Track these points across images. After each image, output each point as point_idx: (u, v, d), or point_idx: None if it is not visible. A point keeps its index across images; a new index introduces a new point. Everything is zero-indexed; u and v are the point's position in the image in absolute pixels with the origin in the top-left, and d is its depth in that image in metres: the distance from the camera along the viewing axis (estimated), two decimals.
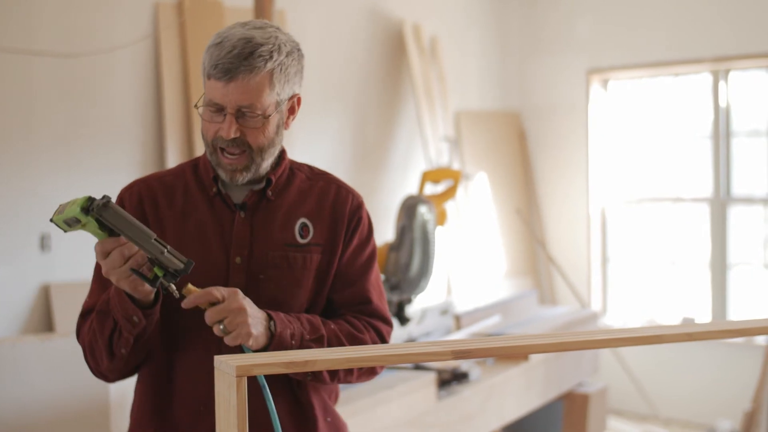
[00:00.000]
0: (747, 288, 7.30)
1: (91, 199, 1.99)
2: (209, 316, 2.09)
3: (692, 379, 7.27)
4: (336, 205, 2.35)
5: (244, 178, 2.23)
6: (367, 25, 6.77)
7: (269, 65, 2.16)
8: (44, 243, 4.77)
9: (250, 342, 2.10)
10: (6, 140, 4.69)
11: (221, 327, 2.09)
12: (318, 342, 2.22)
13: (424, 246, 5.15)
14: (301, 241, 2.29)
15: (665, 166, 7.70)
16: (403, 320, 5.14)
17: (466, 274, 7.33)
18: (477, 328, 5.49)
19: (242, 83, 2.14)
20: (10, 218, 4.68)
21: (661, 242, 7.74)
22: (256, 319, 2.12)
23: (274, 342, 2.15)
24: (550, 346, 1.87)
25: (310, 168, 2.42)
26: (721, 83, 7.28)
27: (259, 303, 2.20)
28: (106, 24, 5.10)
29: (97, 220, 1.99)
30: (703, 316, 7.42)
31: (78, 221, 2.00)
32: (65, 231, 2.04)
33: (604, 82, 7.93)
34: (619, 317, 7.87)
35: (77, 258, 4.86)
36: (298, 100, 2.30)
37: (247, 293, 2.19)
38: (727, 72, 7.26)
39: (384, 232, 6.26)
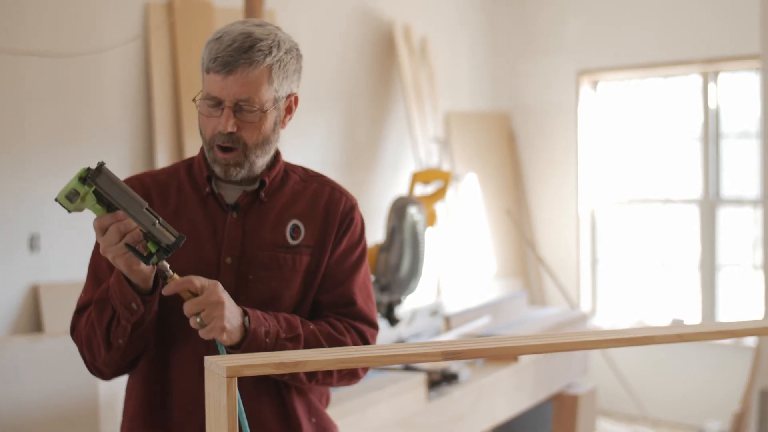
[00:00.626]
0: (736, 289, 7.32)
1: (88, 170, 2.02)
2: (187, 308, 2.08)
3: (682, 380, 7.28)
4: (329, 207, 2.34)
5: (238, 173, 2.23)
6: (358, 26, 6.77)
7: (268, 60, 2.17)
8: (33, 243, 4.76)
9: (224, 337, 2.09)
10: None
11: (198, 320, 2.08)
12: (294, 341, 2.20)
13: (414, 247, 5.16)
14: (291, 242, 2.28)
15: (655, 167, 7.71)
16: (393, 321, 5.14)
17: (455, 275, 7.33)
18: (467, 329, 5.49)
19: (241, 76, 2.15)
20: None
21: (650, 243, 7.76)
22: (232, 314, 2.11)
23: (248, 339, 2.14)
24: (539, 347, 1.87)
25: (305, 170, 2.42)
26: (711, 85, 7.30)
27: (248, 303, 2.19)
28: (96, 24, 5.09)
29: (96, 193, 2.01)
30: (693, 317, 7.44)
31: (77, 194, 2.01)
32: (69, 210, 2.05)
33: (594, 84, 7.94)
34: (608, 318, 7.88)
35: (66, 258, 4.85)
36: (296, 99, 2.31)
37: (236, 293, 2.19)
38: (716, 74, 7.27)
39: (374, 233, 6.26)
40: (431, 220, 6.00)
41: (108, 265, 2.22)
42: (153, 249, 2.04)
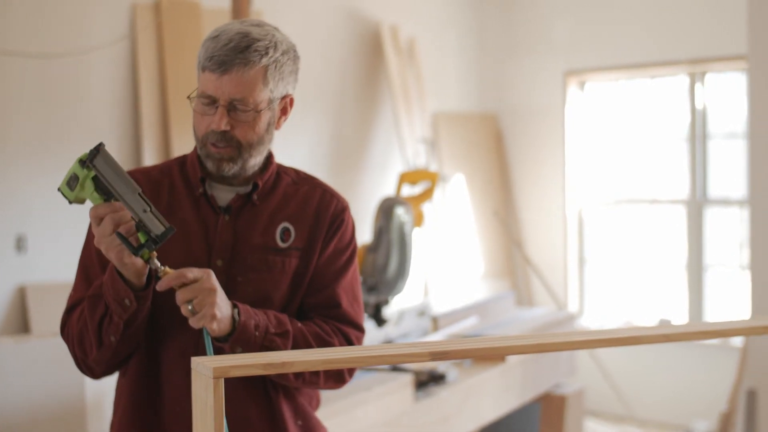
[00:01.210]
0: (723, 289, 7.33)
1: (90, 152, 2.05)
2: (180, 295, 2.07)
3: (669, 380, 7.30)
4: (319, 209, 2.34)
5: (231, 168, 2.22)
6: (345, 27, 6.76)
7: (264, 60, 2.17)
8: (20, 244, 4.75)
9: (214, 325, 2.08)
10: None
11: (189, 307, 2.07)
12: (283, 337, 2.20)
13: (402, 247, 5.16)
14: (281, 245, 2.28)
15: (642, 167, 7.73)
16: (380, 322, 5.15)
17: (443, 275, 7.33)
18: (454, 330, 5.49)
19: (236, 76, 2.15)
20: None
21: (637, 244, 7.77)
22: (223, 303, 2.11)
23: (237, 331, 2.13)
24: (527, 347, 1.87)
25: (297, 172, 2.42)
26: (698, 85, 7.32)
27: None
28: (82, 25, 5.08)
29: (94, 179, 2.03)
30: (680, 317, 7.46)
31: (77, 179, 2.03)
32: (70, 201, 2.07)
33: (581, 84, 7.95)
34: (596, 318, 7.90)
35: (53, 259, 4.83)
36: (291, 101, 2.31)
37: (226, 294, 2.18)
38: (703, 74, 7.29)
39: (361, 234, 6.26)
40: (418, 220, 6.00)
41: (98, 263, 2.21)
42: (143, 239, 2.04)
